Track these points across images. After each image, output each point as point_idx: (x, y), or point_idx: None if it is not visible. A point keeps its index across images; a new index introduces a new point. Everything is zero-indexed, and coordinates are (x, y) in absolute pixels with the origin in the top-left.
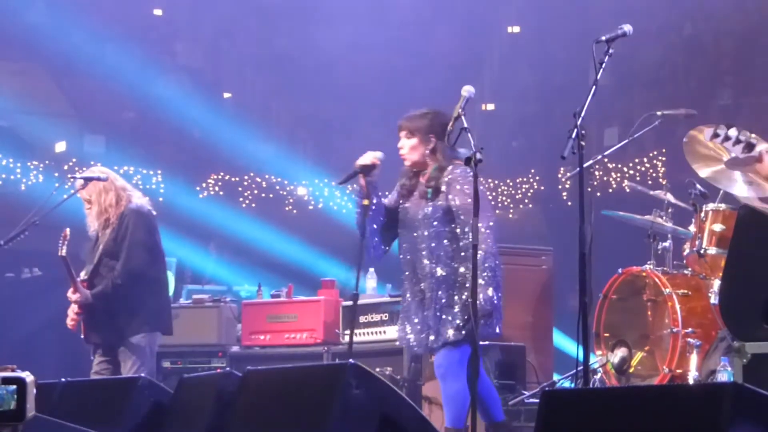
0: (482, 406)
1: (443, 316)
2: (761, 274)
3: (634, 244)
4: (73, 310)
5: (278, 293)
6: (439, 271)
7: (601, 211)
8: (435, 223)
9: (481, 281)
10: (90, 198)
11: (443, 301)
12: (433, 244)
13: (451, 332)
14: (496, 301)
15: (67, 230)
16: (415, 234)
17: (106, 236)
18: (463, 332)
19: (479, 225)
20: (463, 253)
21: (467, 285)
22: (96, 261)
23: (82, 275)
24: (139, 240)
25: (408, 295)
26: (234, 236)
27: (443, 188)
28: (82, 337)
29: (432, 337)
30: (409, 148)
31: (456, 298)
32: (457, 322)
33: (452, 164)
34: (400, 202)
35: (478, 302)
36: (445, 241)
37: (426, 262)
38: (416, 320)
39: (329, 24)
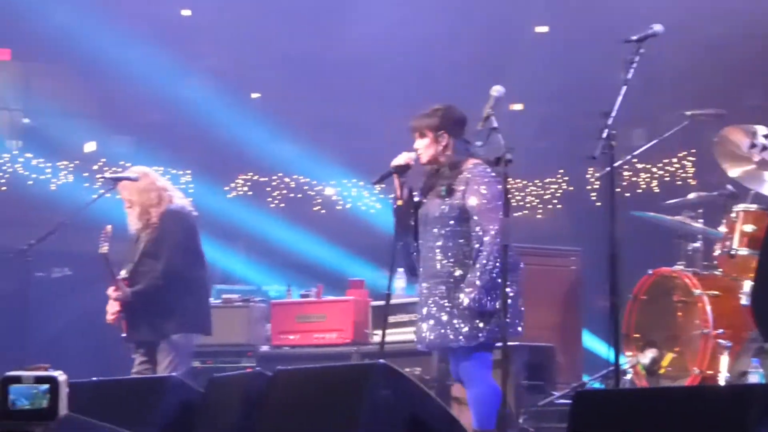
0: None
1: (460, 317)
2: None
3: (663, 245)
4: (113, 307)
5: (307, 293)
6: (457, 271)
7: (630, 211)
8: (451, 222)
9: (477, 282)
10: (131, 198)
11: (459, 301)
12: (450, 244)
13: (469, 334)
14: (489, 306)
15: (109, 227)
16: (432, 232)
17: (147, 236)
18: (482, 334)
19: (489, 226)
20: (473, 253)
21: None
22: (136, 260)
23: (123, 274)
24: (179, 241)
25: (422, 294)
26: (262, 236)
27: (462, 186)
28: (124, 335)
29: (451, 337)
30: (423, 147)
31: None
32: (477, 323)
33: (470, 161)
34: (421, 199)
35: (469, 302)
36: (461, 240)
37: (442, 261)
38: (431, 320)
39: (356, 24)
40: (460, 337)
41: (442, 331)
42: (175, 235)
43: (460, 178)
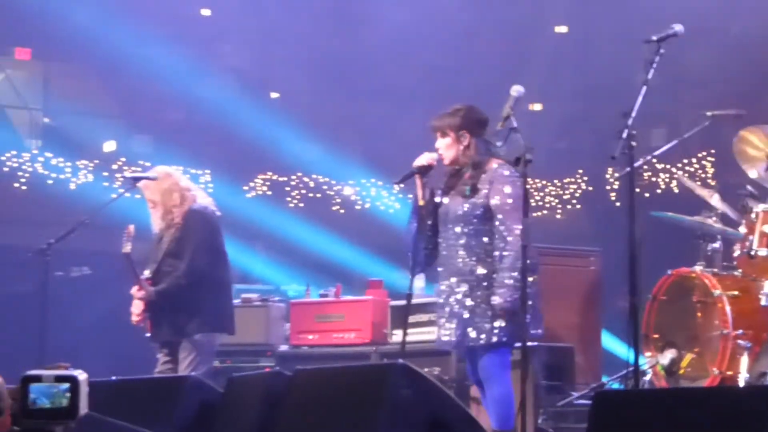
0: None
1: (481, 316)
2: None
3: (683, 245)
4: (137, 307)
5: (326, 293)
6: (480, 269)
7: (650, 212)
8: (474, 220)
9: (508, 281)
10: (154, 199)
11: (481, 299)
12: (472, 242)
13: (491, 333)
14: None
15: (131, 227)
16: (454, 230)
17: (170, 236)
18: (504, 333)
19: (513, 226)
20: (498, 253)
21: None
22: (159, 260)
23: (146, 273)
24: (202, 240)
25: (443, 293)
26: (281, 236)
27: (486, 186)
28: (149, 335)
29: (473, 335)
30: (444, 147)
31: (494, 299)
32: (499, 322)
33: (493, 161)
34: (442, 200)
35: (503, 301)
36: (485, 238)
37: (465, 259)
38: (453, 318)
39: (375, 24)
40: (482, 336)
41: (465, 330)
42: (198, 234)
43: (483, 177)
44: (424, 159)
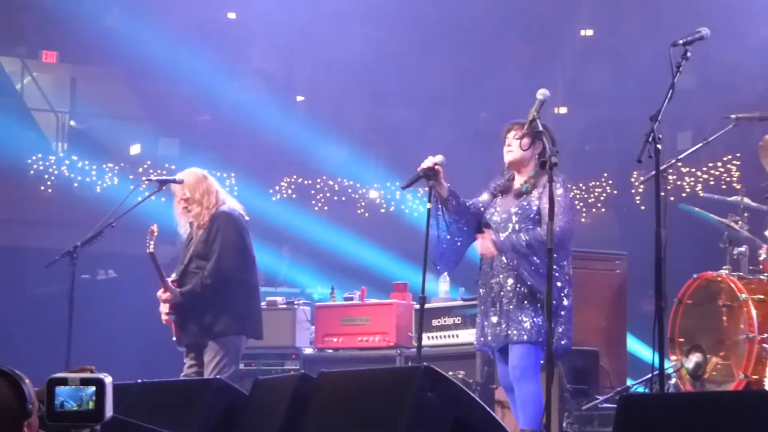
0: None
1: (523, 314)
2: None
3: (709, 249)
4: (164, 309)
5: (351, 296)
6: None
7: (678, 206)
8: (525, 220)
9: (558, 283)
10: (194, 198)
11: (523, 298)
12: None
13: (530, 330)
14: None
15: (155, 226)
16: (505, 228)
17: (198, 237)
18: (543, 332)
19: (555, 229)
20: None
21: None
22: (186, 261)
23: (173, 276)
24: (230, 242)
25: (484, 291)
26: (307, 239)
27: (540, 189)
28: (174, 339)
29: (514, 332)
30: (516, 147)
31: (538, 296)
32: (538, 320)
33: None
34: (494, 198)
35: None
36: None
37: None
38: (493, 316)
39: (401, 28)
40: (523, 333)
41: (502, 323)
42: (225, 236)
43: (540, 182)
44: (428, 162)
